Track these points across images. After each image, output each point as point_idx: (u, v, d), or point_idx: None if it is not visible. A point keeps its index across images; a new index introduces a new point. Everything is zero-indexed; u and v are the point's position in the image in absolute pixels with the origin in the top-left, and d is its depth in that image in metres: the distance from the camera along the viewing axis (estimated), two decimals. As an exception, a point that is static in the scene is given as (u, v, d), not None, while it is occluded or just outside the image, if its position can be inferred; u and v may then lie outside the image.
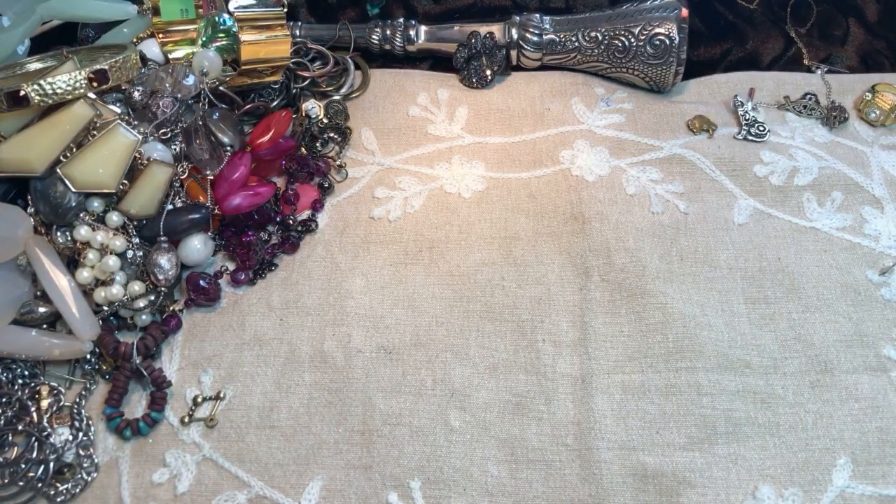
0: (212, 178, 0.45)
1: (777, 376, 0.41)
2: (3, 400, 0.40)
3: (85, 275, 0.41)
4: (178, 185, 0.44)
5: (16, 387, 0.40)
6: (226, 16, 0.48)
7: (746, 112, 0.51)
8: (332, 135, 0.50)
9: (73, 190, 0.40)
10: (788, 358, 0.41)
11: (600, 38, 0.51)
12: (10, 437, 0.39)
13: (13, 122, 0.41)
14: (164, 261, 0.41)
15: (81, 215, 0.41)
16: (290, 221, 0.46)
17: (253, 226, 0.46)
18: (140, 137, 0.42)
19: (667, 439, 0.39)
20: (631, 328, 0.42)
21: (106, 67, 0.41)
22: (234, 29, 0.47)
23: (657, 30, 0.50)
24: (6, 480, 0.38)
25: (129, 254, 0.41)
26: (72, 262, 0.42)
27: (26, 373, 0.41)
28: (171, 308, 0.43)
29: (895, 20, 0.57)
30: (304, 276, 0.45)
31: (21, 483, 0.38)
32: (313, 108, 0.50)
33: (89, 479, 0.38)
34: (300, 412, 0.40)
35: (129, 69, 0.43)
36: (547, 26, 0.53)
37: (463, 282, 0.44)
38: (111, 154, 0.41)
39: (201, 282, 0.43)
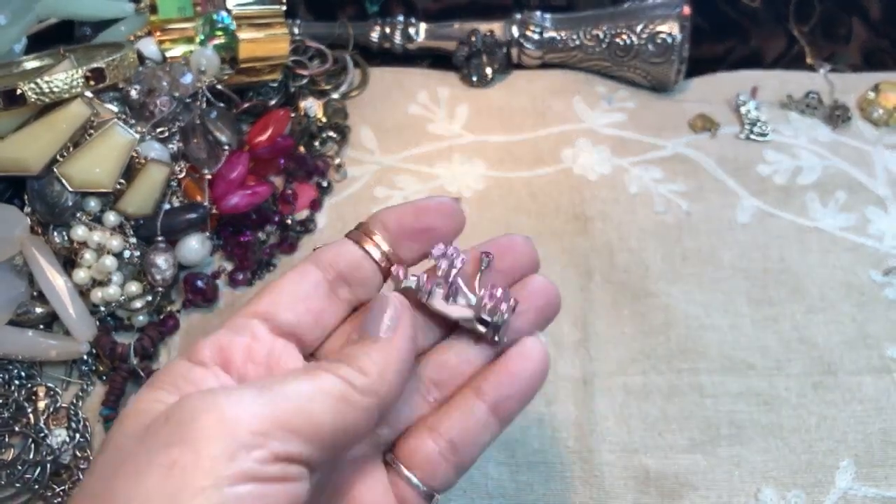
0: (209, 177, 0.44)
1: (780, 378, 0.41)
2: (0, 401, 0.40)
3: (81, 275, 0.40)
4: (175, 184, 0.43)
5: (12, 388, 0.40)
6: (224, 13, 0.48)
7: (749, 111, 0.51)
8: (330, 133, 0.49)
9: (70, 189, 0.40)
10: (792, 359, 0.41)
11: (602, 36, 0.51)
12: (7, 439, 0.39)
13: (9, 121, 0.40)
14: (162, 261, 0.41)
15: (78, 215, 0.41)
16: (289, 221, 0.46)
17: (251, 225, 0.45)
18: (137, 136, 0.42)
19: (669, 441, 0.39)
20: (633, 329, 0.42)
21: (103, 66, 0.41)
22: (232, 27, 0.47)
23: (659, 28, 0.50)
24: (3, 482, 0.38)
25: (126, 254, 0.41)
26: (68, 262, 0.41)
27: (23, 374, 0.41)
28: (169, 309, 0.43)
29: (899, 18, 0.57)
30: (303, 276, 0.44)
31: (18, 485, 0.38)
32: (312, 106, 0.49)
33: (86, 481, 0.38)
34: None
35: (127, 67, 0.42)
36: (548, 24, 0.52)
37: (463, 282, 0.44)
38: (108, 153, 0.41)
39: (199, 282, 0.43)
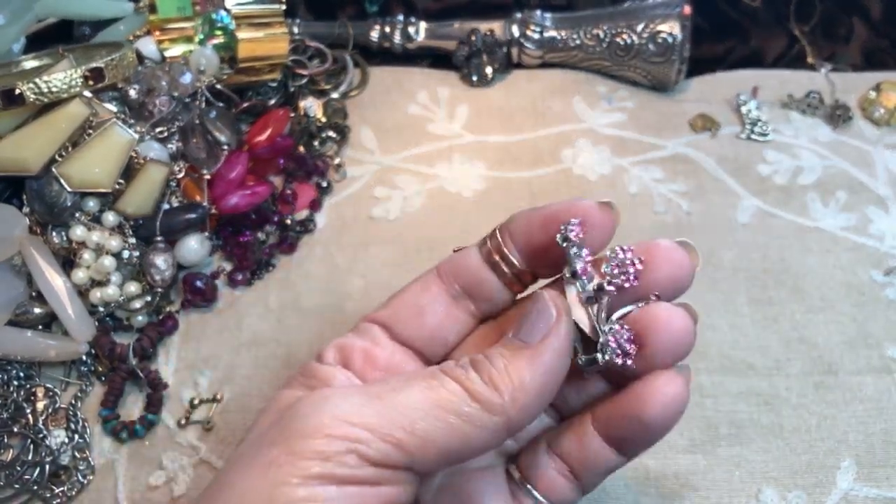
0: (209, 177, 0.44)
1: (780, 378, 0.40)
2: (-1, 402, 0.40)
3: (80, 275, 0.40)
4: (174, 184, 0.43)
5: (11, 388, 0.40)
6: (223, 13, 0.48)
7: (750, 111, 0.51)
8: (330, 133, 0.49)
9: (69, 189, 0.40)
10: (792, 359, 0.41)
11: (602, 35, 0.51)
12: (6, 440, 0.39)
13: (8, 121, 0.40)
14: (161, 261, 0.41)
15: (77, 215, 0.41)
16: (288, 221, 0.46)
17: (250, 225, 0.45)
18: (136, 136, 0.42)
19: (669, 441, 0.39)
20: (633, 329, 0.42)
21: (102, 65, 0.41)
22: (231, 26, 0.47)
23: (660, 27, 0.50)
24: (1, 483, 0.37)
25: (125, 254, 0.41)
26: (67, 262, 0.41)
27: (22, 374, 0.41)
28: (168, 309, 0.43)
29: (899, 18, 0.57)
30: (303, 276, 0.44)
31: (17, 486, 0.38)
32: (311, 106, 0.49)
33: (85, 481, 0.38)
34: (298, 414, 0.40)
35: (126, 67, 0.42)
36: (548, 24, 0.52)
37: (463, 282, 0.44)
38: (107, 153, 0.40)
39: (198, 282, 0.42)
